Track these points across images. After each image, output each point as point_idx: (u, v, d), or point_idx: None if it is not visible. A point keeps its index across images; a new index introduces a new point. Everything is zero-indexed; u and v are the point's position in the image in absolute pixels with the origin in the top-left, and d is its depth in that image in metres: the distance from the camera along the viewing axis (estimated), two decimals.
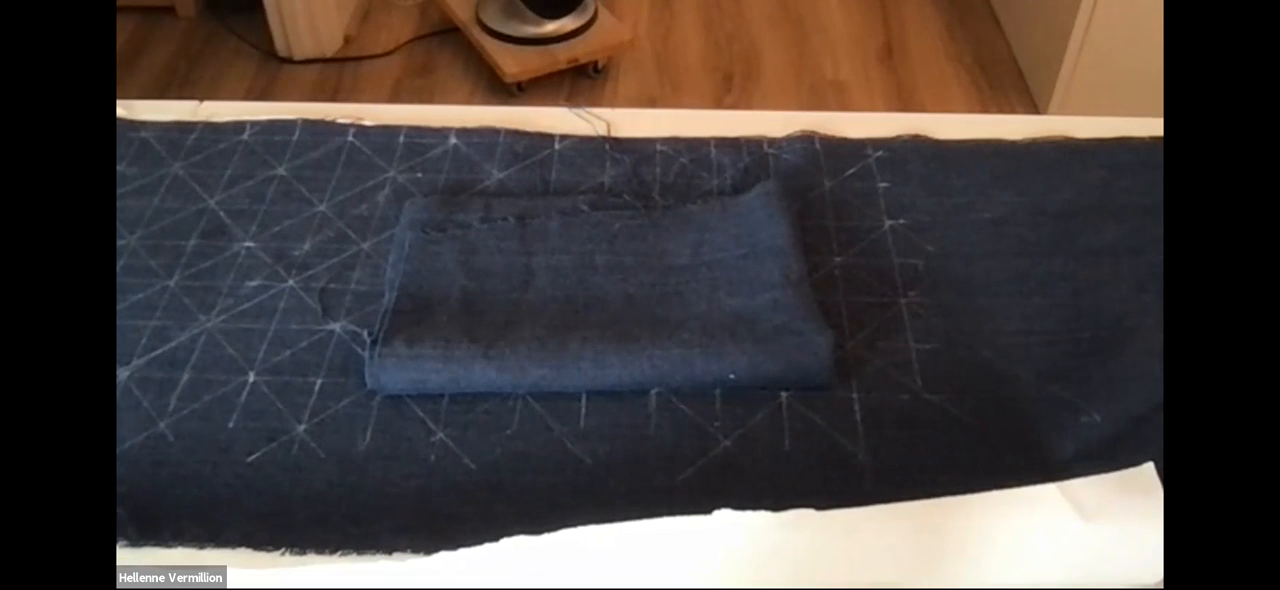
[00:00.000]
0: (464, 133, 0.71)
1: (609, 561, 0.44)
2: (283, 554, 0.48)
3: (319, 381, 0.55)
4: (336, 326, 0.58)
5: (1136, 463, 0.48)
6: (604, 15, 1.75)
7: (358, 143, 0.71)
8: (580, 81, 1.76)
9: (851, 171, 0.69)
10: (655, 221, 0.64)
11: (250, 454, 0.52)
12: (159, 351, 0.57)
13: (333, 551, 0.48)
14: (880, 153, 0.70)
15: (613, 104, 1.66)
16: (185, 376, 0.55)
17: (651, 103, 1.73)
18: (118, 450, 0.52)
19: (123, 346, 0.57)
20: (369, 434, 0.53)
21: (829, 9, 1.97)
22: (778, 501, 0.45)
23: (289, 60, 1.79)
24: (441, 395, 0.54)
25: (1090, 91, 1.59)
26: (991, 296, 0.60)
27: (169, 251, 0.63)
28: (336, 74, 1.78)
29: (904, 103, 1.74)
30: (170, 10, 1.89)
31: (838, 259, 0.62)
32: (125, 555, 0.47)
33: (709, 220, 0.63)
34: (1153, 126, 0.72)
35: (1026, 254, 0.62)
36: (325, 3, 1.76)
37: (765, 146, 0.70)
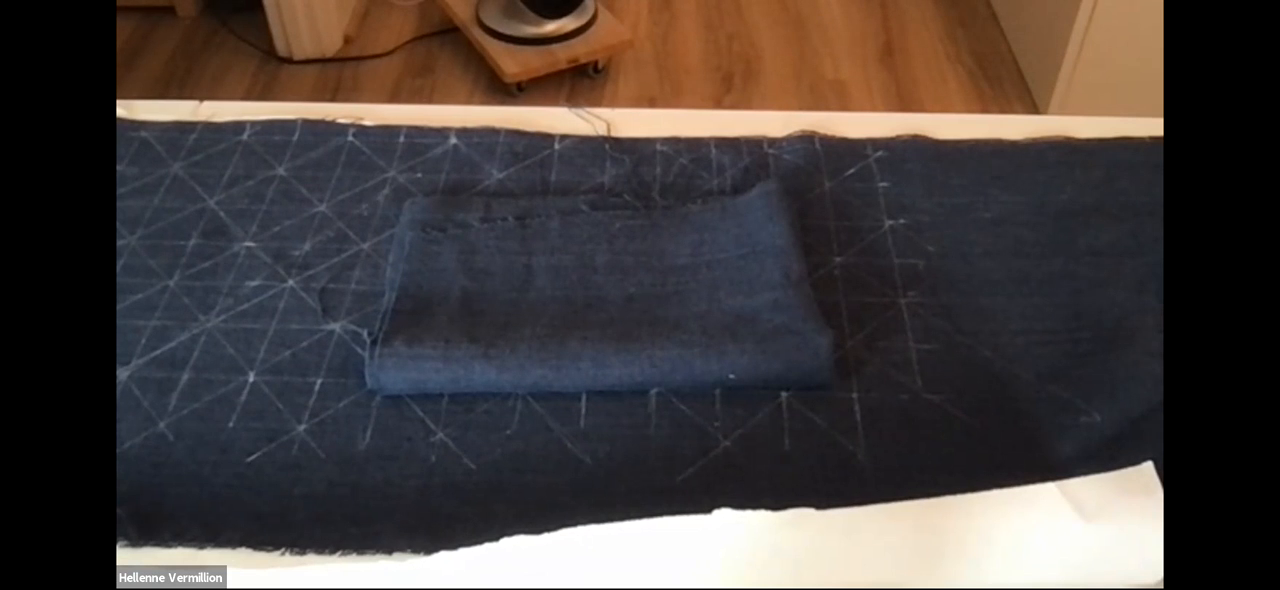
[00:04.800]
0: (464, 133, 0.71)
1: (609, 561, 0.44)
2: (283, 554, 0.48)
3: (319, 381, 0.55)
4: (336, 326, 0.58)
5: (1136, 463, 0.48)
6: (604, 15, 1.75)
7: (358, 143, 0.71)
8: (580, 81, 1.76)
9: (851, 171, 0.69)
10: (655, 221, 0.64)
11: (250, 454, 0.52)
12: (159, 351, 0.57)
13: (333, 551, 0.48)
14: (880, 153, 0.70)
15: (613, 104, 1.67)
16: (185, 376, 0.55)
17: (651, 103, 1.73)
18: (118, 450, 0.52)
19: (123, 346, 0.57)
20: (369, 434, 0.53)
21: (829, 9, 1.97)
22: (778, 501, 0.45)
23: (289, 60, 1.79)
24: (441, 395, 0.54)
25: (1090, 91, 1.59)
26: (991, 296, 0.60)
27: (169, 251, 0.63)
28: (336, 74, 1.78)
29: (904, 103, 1.74)
30: (170, 10, 1.89)
31: (838, 259, 0.62)
32: (125, 555, 0.47)
33: (709, 220, 0.63)
34: (1153, 126, 0.72)
35: (1026, 254, 0.62)
36: (325, 3, 1.77)
37: (765, 146, 0.70)
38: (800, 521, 0.45)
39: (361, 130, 0.71)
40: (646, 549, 0.44)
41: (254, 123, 0.72)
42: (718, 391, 0.55)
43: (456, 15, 1.77)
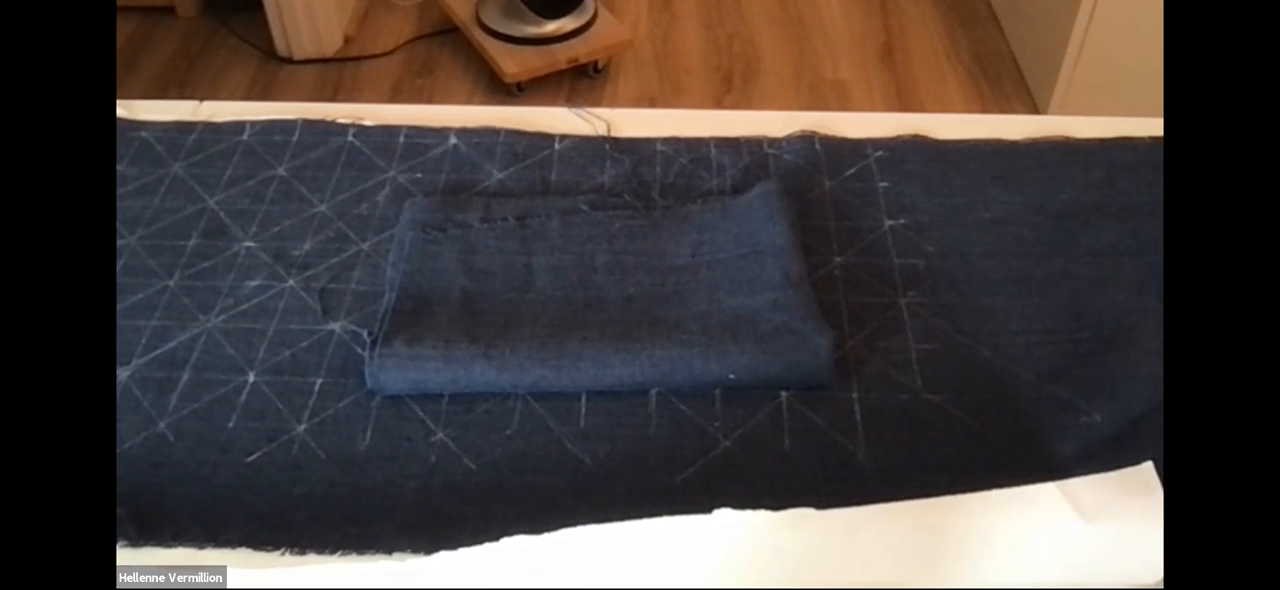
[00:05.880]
0: (464, 133, 0.71)
1: (609, 561, 0.44)
2: (283, 554, 0.48)
3: (319, 381, 0.55)
4: (336, 326, 0.58)
5: (1136, 463, 0.48)
6: (604, 15, 1.75)
7: (358, 143, 0.71)
8: (580, 81, 1.76)
9: (851, 171, 0.69)
10: (655, 221, 0.64)
11: (250, 454, 0.52)
12: (159, 351, 0.57)
13: (333, 551, 0.48)
14: (880, 153, 0.70)
15: (613, 104, 1.67)
16: (185, 376, 0.55)
17: (651, 103, 1.73)
18: (118, 450, 0.52)
19: (123, 346, 0.57)
20: (369, 434, 0.53)
21: (829, 9, 1.97)
22: (778, 501, 0.45)
23: (289, 60, 1.79)
24: (441, 395, 0.54)
25: (1090, 91, 1.59)
26: (991, 296, 0.60)
27: (169, 251, 0.63)
28: (336, 74, 1.78)
29: (904, 103, 1.74)
30: (170, 10, 1.89)
31: (838, 259, 0.62)
32: (125, 555, 0.47)
33: (709, 220, 0.63)
34: (1153, 126, 0.72)
35: (1026, 254, 0.62)
36: (325, 3, 1.76)
37: (765, 146, 0.70)
38: (800, 521, 0.45)
39: (361, 130, 0.71)
40: (646, 549, 0.44)
41: (254, 123, 0.72)
42: (718, 391, 0.55)
43: (456, 15, 1.77)
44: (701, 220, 0.63)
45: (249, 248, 0.63)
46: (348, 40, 1.84)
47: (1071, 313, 0.59)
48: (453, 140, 0.71)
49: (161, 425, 0.53)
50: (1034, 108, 1.70)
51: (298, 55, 1.78)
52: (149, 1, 1.87)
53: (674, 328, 0.56)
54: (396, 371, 0.54)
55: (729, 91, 1.77)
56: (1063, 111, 1.63)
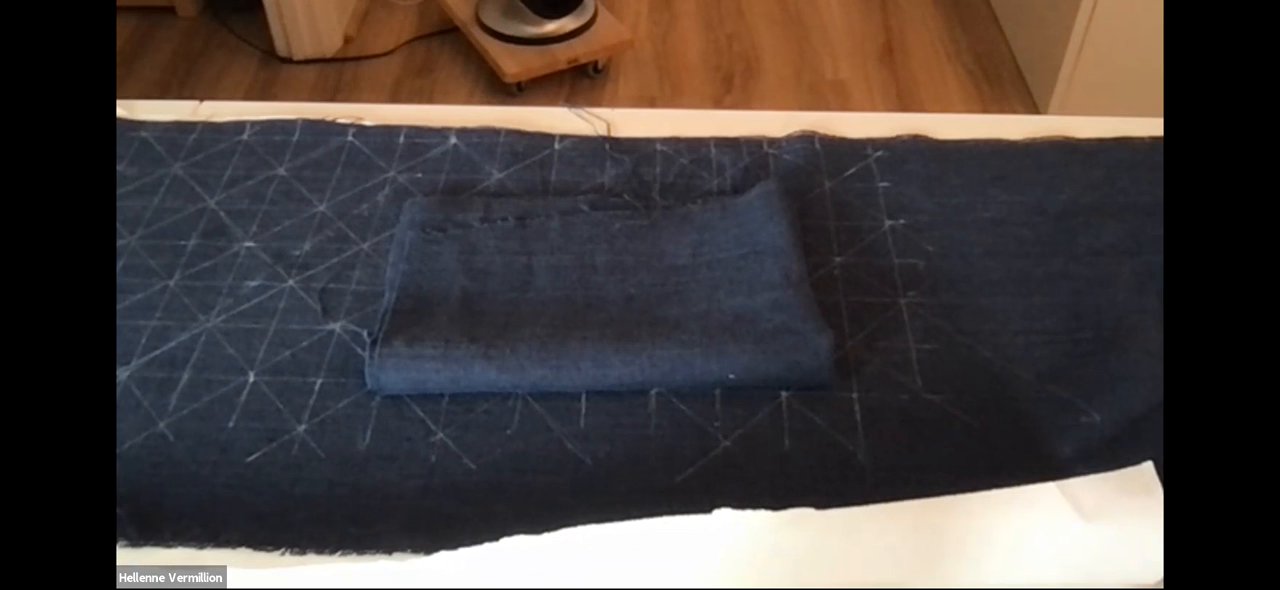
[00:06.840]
0: (464, 133, 0.71)
1: (609, 561, 0.44)
2: (283, 554, 0.48)
3: (319, 381, 0.55)
4: (336, 326, 0.58)
5: (1136, 463, 0.48)
6: (604, 15, 1.75)
7: (358, 143, 0.71)
8: (580, 81, 1.76)
9: (851, 171, 0.69)
10: (655, 221, 0.64)
11: (250, 454, 0.52)
12: (159, 351, 0.57)
13: (333, 551, 0.48)
14: (880, 153, 0.70)
15: (613, 104, 1.67)
16: (185, 376, 0.55)
17: (651, 103, 1.73)
18: (118, 450, 0.52)
19: (123, 346, 0.57)
20: (369, 434, 0.53)
21: (829, 9, 1.97)
22: (778, 501, 0.45)
23: (289, 60, 1.79)
24: (441, 395, 0.54)
25: (1090, 91, 1.59)
26: (991, 296, 0.60)
27: (169, 251, 0.63)
28: (336, 74, 1.78)
29: (904, 103, 1.74)
30: (170, 10, 1.89)
31: (838, 259, 0.62)
32: (125, 555, 0.47)
33: (709, 220, 0.63)
34: (1153, 126, 0.72)
35: (1026, 254, 0.62)
36: (325, 3, 1.76)
37: (765, 146, 0.71)
38: (800, 521, 0.45)
39: (361, 130, 0.71)
40: (646, 549, 0.44)
41: (254, 123, 0.72)
42: (718, 391, 0.55)
43: (456, 15, 1.77)
44: (701, 220, 0.63)
45: (249, 248, 0.63)
46: (348, 40, 1.84)
47: (1071, 313, 0.59)
48: (453, 140, 0.71)
49: (161, 425, 0.53)
50: (1034, 108, 1.70)
51: (298, 55, 1.78)
52: (149, 1, 1.87)
53: (674, 328, 0.56)
54: (396, 371, 0.54)
55: (729, 91, 1.77)
56: (1063, 111, 1.63)
